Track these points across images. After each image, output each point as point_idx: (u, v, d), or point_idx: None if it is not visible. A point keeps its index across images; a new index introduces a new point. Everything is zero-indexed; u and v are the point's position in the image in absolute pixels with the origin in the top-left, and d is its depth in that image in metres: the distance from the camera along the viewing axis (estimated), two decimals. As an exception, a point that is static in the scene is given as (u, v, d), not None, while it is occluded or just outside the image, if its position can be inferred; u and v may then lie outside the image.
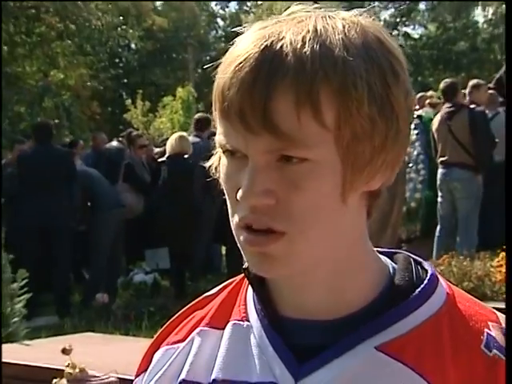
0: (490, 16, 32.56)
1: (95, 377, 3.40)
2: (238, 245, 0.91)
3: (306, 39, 0.86)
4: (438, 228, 8.28)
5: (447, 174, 7.98)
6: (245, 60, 0.87)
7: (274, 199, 0.87)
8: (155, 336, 1.06)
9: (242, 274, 1.02)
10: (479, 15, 32.74)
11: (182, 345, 1.01)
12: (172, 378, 0.99)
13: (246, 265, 0.96)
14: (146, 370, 1.03)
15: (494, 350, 0.91)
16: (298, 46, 0.86)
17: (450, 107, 7.75)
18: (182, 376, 0.98)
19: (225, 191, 0.93)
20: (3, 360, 3.78)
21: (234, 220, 0.91)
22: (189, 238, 8.60)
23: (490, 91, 9.08)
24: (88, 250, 8.87)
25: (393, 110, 0.88)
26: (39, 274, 7.72)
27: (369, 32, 0.90)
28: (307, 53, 0.85)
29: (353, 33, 0.88)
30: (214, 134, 0.92)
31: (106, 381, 3.40)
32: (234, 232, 0.91)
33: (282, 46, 0.86)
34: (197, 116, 10.49)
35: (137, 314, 7.69)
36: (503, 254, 5.11)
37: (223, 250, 10.42)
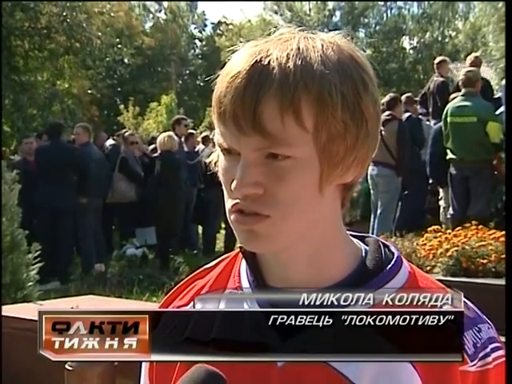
0: (414, 44, 32.82)
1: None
2: (231, 225, 0.90)
3: (290, 55, 0.85)
4: (372, 214, 8.31)
5: (373, 170, 7.98)
6: (238, 72, 0.86)
7: (262, 189, 0.87)
8: (162, 300, 1.04)
9: (236, 250, 1.01)
10: (406, 43, 33.03)
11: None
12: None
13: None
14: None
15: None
16: (283, 61, 0.85)
17: (386, 116, 7.78)
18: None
19: (222, 182, 0.91)
20: (21, 316, 3.75)
21: (228, 206, 0.90)
22: (172, 219, 8.59)
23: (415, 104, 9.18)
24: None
25: (363, 116, 0.87)
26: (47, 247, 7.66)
27: (343, 50, 0.89)
28: (290, 67, 0.84)
29: (330, 51, 0.87)
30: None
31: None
32: (227, 215, 0.90)
33: (269, 61, 0.85)
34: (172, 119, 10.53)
35: (128, 281, 7.64)
36: (427, 235, 5.16)
37: (200, 229, 10.40)
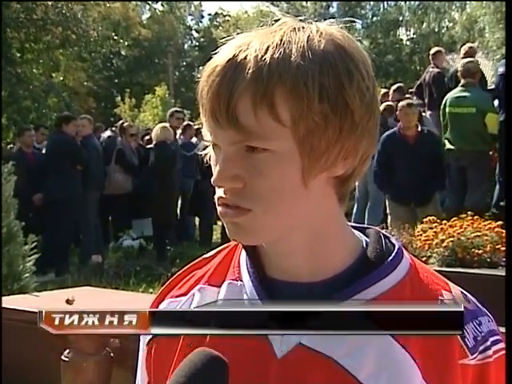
0: (411, 35, 32.79)
1: (93, 322, 3.37)
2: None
3: (269, 48, 0.84)
4: (355, 206, 8.23)
5: None
6: (215, 67, 0.86)
7: (242, 183, 0.86)
8: (159, 290, 1.03)
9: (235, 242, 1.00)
10: (403, 34, 32.98)
11: (184, 298, 0.98)
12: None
13: None
14: None
15: None
16: (261, 54, 0.83)
17: None
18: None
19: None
20: (17, 308, 3.74)
21: (215, 198, 0.89)
22: (167, 210, 8.60)
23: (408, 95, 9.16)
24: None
25: (347, 107, 0.84)
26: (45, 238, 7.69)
27: (333, 39, 0.86)
28: (266, 60, 0.83)
29: (315, 41, 0.85)
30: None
31: (102, 326, 3.38)
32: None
33: (246, 56, 0.84)
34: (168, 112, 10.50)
35: (125, 272, 7.64)
36: (422, 225, 5.15)
37: (196, 221, 10.40)
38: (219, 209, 0.88)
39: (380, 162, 6.73)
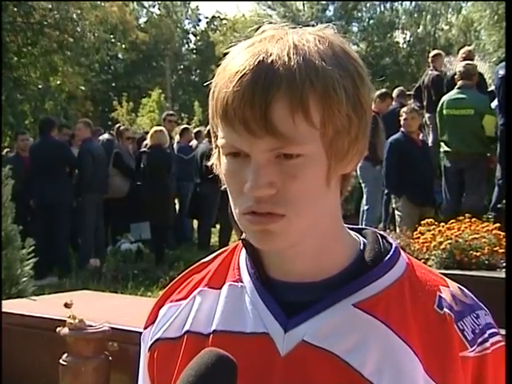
0: (408, 38, 32.83)
1: (91, 326, 3.38)
2: (241, 227, 0.89)
3: (290, 54, 0.84)
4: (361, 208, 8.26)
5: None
6: (243, 75, 0.84)
7: (275, 189, 0.86)
8: (159, 295, 1.03)
9: (233, 244, 1.01)
10: (400, 37, 32.99)
11: (184, 302, 0.99)
12: (177, 328, 0.97)
13: (243, 236, 0.94)
14: (153, 323, 1.01)
15: (445, 309, 0.91)
16: (286, 60, 0.84)
17: None
18: (187, 327, 0.96)
19: (227, 186, 0.90)
20: (16, 312, 3.73)
21: (237, 209, 0.88)
22: (166, 214, 8.59)
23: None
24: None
25: (362, 107, 0.88)
26: (43, 243, 7.66)
27: (334, 43, 0.89)
28: (294, 65, 0.84)
29: (323, 45, 0.87)
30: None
31: (100, 329, 3.38)
32: (236, 218, 0.89)
33: (272, 61, 0.84)
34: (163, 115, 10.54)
35: (123, 275, 7.63)
36: (420, 228, 5.16)
37: (195, 224, 10.39)
38: (247, 217, 0.87)
39: (393, 165, 6.85)
